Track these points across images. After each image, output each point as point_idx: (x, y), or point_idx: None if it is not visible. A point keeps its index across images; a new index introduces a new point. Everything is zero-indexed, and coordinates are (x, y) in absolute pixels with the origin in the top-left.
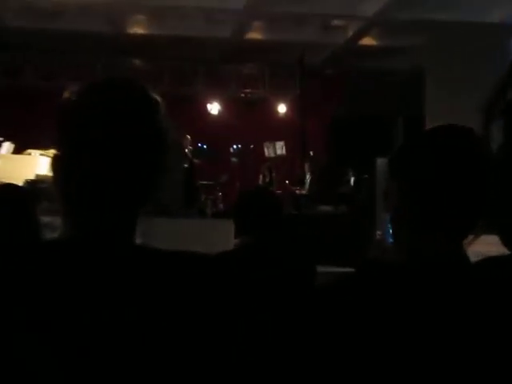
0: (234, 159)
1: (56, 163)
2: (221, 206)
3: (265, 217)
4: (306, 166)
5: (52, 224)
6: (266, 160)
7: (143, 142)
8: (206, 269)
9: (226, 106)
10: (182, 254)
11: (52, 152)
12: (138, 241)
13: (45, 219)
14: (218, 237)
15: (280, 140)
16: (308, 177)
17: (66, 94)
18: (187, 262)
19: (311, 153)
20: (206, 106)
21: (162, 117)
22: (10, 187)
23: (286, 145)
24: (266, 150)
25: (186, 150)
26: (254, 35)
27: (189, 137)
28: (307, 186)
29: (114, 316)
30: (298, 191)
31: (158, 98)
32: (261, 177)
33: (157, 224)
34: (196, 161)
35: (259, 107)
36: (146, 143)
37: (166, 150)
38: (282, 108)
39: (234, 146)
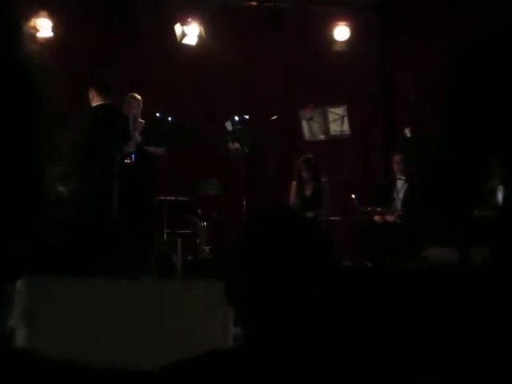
0: (233, 146)
1: None
2: (206, 249)
3: (298, 277)
4: (397, 161)
5: None
6: (306, 148)
7: None
8: None
9: (214, 28)
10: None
11: None
12: (20, 338)
13: None
14: (198, 320)
15: (337, 104)
16: (401, 185)
17: None
18: None
19: (407, 131)
20: (171, 29)
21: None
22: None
23: (351, 113)
24: (304, 127)
25: (131, 128)
26: None
27: (138, 97)
28: (399, 204)
29: None
30: (378, 217)
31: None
32: (294, 186)
33: (59, 293)
34: (152, 149)
35: (289, 31)
36: None
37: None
38: (340, 33)
39: (236, 118)
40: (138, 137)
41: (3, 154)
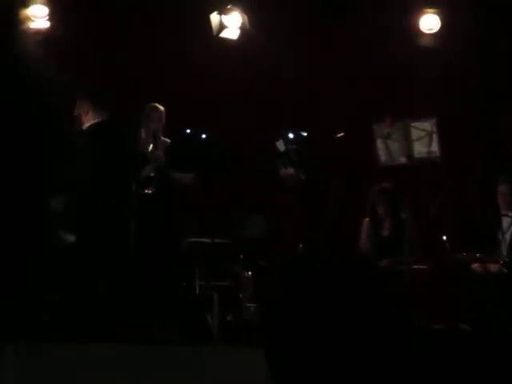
0: (286, 172)
1: None
2: (250, 307)
3: (357, 351)
4: (504, 191)
5: None
6: (382, 174)
7: None
8: None
9: (261, 17)
10: None
11: None
12: None
13: None
14: None
15: (424, 117)
16: (509, 224)
17: None
18: None
19: None
20: (206, 19)
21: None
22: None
23: (442, 129)
24: (380, 147)
25: (151, 147)
26: None
27: (160, 108)
28: (505, 249)
29: None
30: (477, 266)
31: None
32: (366, 224)
33: (57, 361)
34: (178, 176)
35: (359, 21)
36: None
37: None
38: (427, 22)
39: (290, 136)
40: (161, 157)
41: None
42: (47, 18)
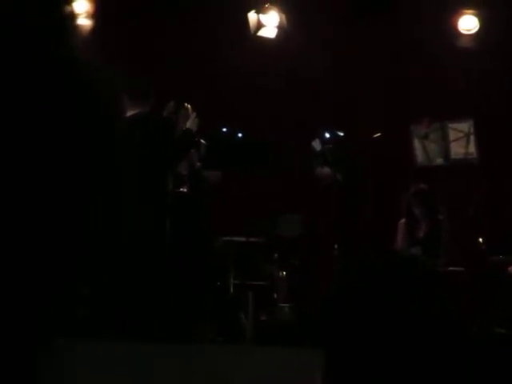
0: (322, 172)
1: None
2: (285, 307)
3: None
4: None
5: None
6: (419, 175)
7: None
8: None
9: (299, 16)
10: None
11: None
12: None
13: None
14: None
15: (461, 118)
16: None
17: None
18: None
19: None
20: (243, 18)
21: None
22: None
23: (480, 131)
24: (417, 147)
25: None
26: None
27: (187, 106)
28: None
29: None
30: None
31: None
32: (402, 225)
33: (99, 358)
34: (209, 173)
35: (398, 21)
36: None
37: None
38: (466, 23)
39: (326, 135)
40: (195, 155)
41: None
42: (86, 15)
